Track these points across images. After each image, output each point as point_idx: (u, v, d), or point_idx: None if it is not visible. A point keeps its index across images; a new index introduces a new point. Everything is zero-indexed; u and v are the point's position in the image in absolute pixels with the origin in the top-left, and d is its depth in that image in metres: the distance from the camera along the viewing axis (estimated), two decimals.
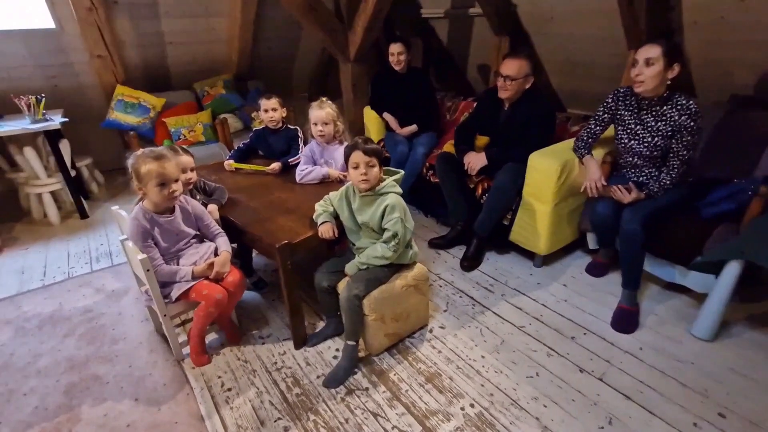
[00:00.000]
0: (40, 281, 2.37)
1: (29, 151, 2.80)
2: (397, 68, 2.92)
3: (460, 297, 2.09)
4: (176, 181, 1.57)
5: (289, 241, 1.59)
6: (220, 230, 1.79)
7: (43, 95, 2.74)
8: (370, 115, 3.24)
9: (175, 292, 1.61)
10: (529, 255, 2.36)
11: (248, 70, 4.01)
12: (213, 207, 1.90)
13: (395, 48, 2.86)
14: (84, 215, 3.07)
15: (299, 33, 4.10)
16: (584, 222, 2.23)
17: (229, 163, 2.37)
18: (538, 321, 1.90)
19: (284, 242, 1.57)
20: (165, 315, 1.64)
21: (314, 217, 1.72)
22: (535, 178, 2.09)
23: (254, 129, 2.54)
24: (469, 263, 2.32)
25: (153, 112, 3.28)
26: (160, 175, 1.52)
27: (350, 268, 1.68)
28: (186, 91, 3.70)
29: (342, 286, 1.69)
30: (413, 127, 2.99)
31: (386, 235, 1.61)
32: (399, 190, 1.66)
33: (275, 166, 2.30)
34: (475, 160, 2.30)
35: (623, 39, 2.59)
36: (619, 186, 1.86)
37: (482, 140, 2.54)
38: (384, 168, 1.66)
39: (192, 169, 1.86)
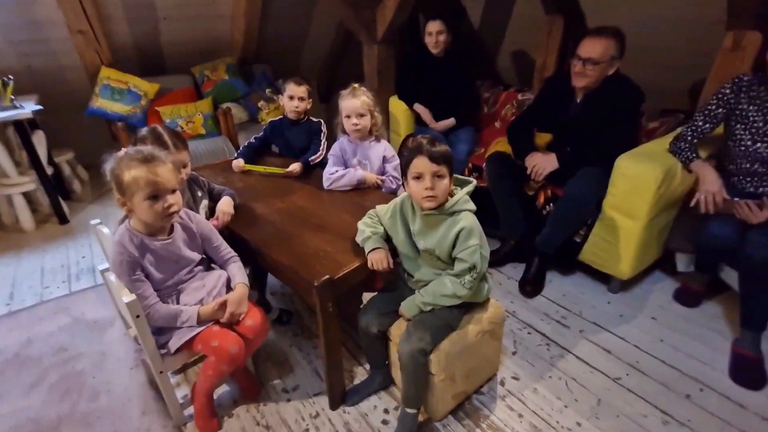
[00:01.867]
0: (5, 306, 1.93)
1: None
2: (434, 51, 2.48)
3: (529, 333, 1.69)
4: (173, 191, 1.14)
5: (331, 276, 1.17)
6: (233, 254, 1.36)
7: (11, 77, 2.28)
8: (397, 107, 2.80)
9: (175, 341, 1.19)
10: (600, 276, 1.96)
11: (254, 53, 3.54)
12: (226, 201, 1.51)
13: (433, 26, 2.42)
14: (63, 220, 2.62)
15: (312, 9, 3.62)
16: (675, 239, 1.82)
17: (239, 164, 1.94)
18: (636, 370, 1.50)
19: (325, 278, 1.15)
20: (161, 372, 1.22)
21: (359, 240, 1.30)
22: (624, 187, 1.68)
23: (270, 120, 2.10)
24: (531, 287, 1.91)
25: (144, 99, 2.82)
26: (152, 185, 1.09)
27: (409, 308, 1.27)
28: (183, 75, 3.22)
29: (397, 332, 1.28)
30: (450, 121, 2.56)
31: (459, 267, 1.19)
32: (472, 206, 1.25)
33: (295, 167, 1.88)
34: (543, 163, 1.88)
35: (705, 20, 2.18)
36: (747, 201, 1.46)
37: (543, 138, 2.12)
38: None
39: (185, 166, 1.44)
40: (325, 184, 1.76)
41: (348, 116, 1.74)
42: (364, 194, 1.72)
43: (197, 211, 1.52)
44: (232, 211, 1.52)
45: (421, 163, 1.16)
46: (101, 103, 2.72)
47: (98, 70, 2.77)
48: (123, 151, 1.10)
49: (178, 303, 1.24)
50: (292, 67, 4.00)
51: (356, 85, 1.77)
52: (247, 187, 1.80)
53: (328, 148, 1.94)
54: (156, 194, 1.10)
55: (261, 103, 3.23)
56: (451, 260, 1.24)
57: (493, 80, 3.07)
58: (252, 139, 2.11)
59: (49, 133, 2.80)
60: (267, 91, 3.26)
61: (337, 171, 1.77)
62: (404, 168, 1.22)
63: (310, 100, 2.00)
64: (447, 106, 2.57)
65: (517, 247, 2.08)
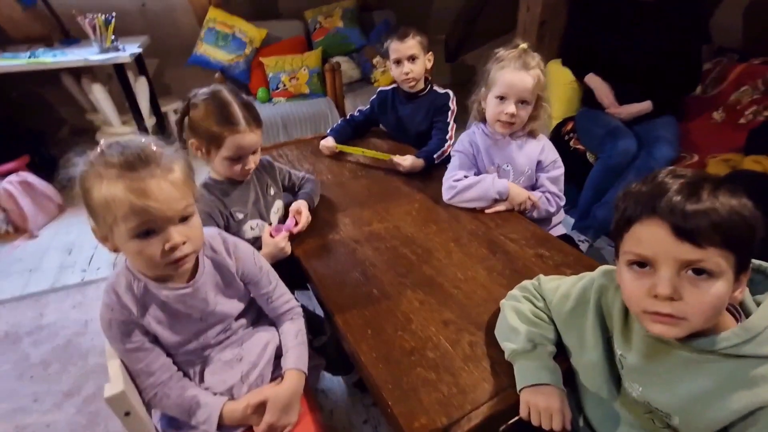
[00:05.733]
0: (81, 272, 1.79)
1: (98, 89, 2.20)
2: None
3: None
4: (184, 219, 0.65)
5: (444, 425, 0.60)
6: (293, 304, 0.88)
7: (113, 14, 2.05)
8: (558, 76, 1.99)
9: None
10: None
11: None
12: (300, 206, 1.07)
13: None
14: None
15: None
16: None
17: (328, 143, 1.43)
18: None
19: None
20: None
21: (503, 342, 0.71)
22: None
23: (379, 89, 1.54)
24: None
25: (249, 47, 2.46)
26: (139, 214, 0.60)
27: None
28: (295, 22, 2.78)
29: None
30: (645, 106, 1.71)
31: None
32: None
33: (409, 160, 1.30)
34: None
35: None
36: None
37: None
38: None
39: (255, 151, 0.98)
40: (445, 196, 1.16)
41: (503, 97, 1.08)
42: (506, 222, 1.09)
43: (267, 218, 1.06)
44: (306, 213, 1.06)
45: (652, 236, 0.50)
46: (204, 49, 2.43)
47: (206, 10, 2.46)
48: (100, 147, 0.63)
49: (201, 378, 0.80)
50: (419, 16, 3.32)
51: (526, 46, 1.08)
52: (336, 183, 1.29)
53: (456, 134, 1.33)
54: (148, 229, 0.62)
55: (376, 60, 2.66)
56: None
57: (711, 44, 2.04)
58: (356, 112, 1.58)
59: (158, 80, 2.64)
60: (385, 44, 2.67)
61: (464, 178, 1.15)
62: (617, 231, 0.56)
63: (429, 55, 1.39)
64: (642, 83, 1.71)
65: None
